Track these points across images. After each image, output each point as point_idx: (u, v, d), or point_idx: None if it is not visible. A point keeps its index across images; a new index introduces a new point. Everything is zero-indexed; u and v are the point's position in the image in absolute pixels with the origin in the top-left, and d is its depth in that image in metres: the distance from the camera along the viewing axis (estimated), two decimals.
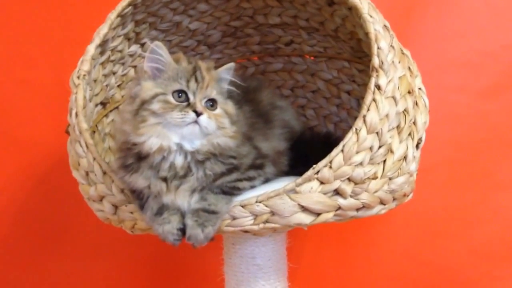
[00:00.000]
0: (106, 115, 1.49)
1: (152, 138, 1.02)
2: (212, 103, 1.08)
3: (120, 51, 1.46)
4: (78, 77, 1.24)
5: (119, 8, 1.30)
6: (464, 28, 1.80)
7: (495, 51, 1.79)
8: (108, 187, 1.16)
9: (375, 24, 1.16)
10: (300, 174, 1.21)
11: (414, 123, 1.19)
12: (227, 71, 1.15)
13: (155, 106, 1.03)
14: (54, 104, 1.78)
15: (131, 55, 1.51)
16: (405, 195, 1.19)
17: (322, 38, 1.59)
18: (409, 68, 1.24)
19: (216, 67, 1.16)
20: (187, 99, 1.05)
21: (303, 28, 1.59)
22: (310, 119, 1.73)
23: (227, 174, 1.07)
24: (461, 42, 1.81)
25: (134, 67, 1.54)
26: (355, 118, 1.58)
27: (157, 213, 1.06)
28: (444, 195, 1.84)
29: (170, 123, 1.03)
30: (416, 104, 1.19)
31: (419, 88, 1.26)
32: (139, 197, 1.09)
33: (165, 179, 1.05)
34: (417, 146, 1.19)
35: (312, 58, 1.67)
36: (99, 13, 1.37)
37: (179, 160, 1.04)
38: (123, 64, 1.50)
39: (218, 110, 1.08)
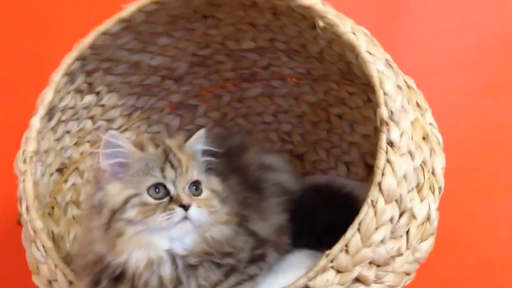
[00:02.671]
0: (65, 181, 1.28)
1: (135, 253, 0.82)
2: (196, 187, 0.89)
3: (72, 107, 1.23)
4: (24, 161, 1.02)
5: (63, 66, 1.07)
6: (458, 24, 1.64)
7: (493, 46, 1.64)
8: None
9: (377, 63, 0.97)
10: (305, 245, 1.04)
11: (433, 172, 1.01)
12: (198, 140, 0.95)
13: (131, 213, 0.82)
14: None
15: (85, 107, 1.28)
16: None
17: (304, 60, 1.39)
18: (417, 104, 1.06)
19: (186, 139, 0.96)
20: (167, 192, 0.85)
21: (282, 51, 1.38)
22: (297, 146, 1.55)
23: (224, 280, 0.87)
24: (456, 39, 1.65)
25: (91, 118, 1.32)
26: (350, 143, 1.46)
27: None
28: (447, 202, 1.69)
29: (155, 228, 0.83)
30: (432, 150, 1.01)
31: (430, 124, 1.08)
32: None
33: None
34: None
35: (294, 80, 1.47)
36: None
37: (166, 271, 0.84)
38: (77, 119, 1.27)
39: (204, 193, 0.89)
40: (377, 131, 1.34)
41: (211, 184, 0.92)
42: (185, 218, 0.83)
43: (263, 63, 1.45)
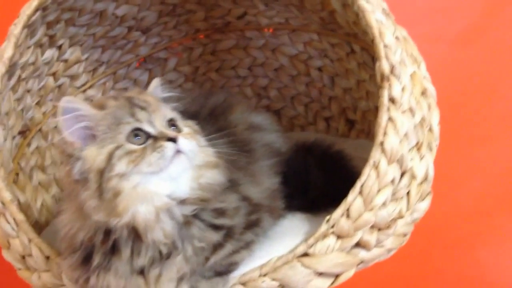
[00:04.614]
0: (28, 144, 1.17)
1: (141, 207, 0.74)
2: (174, 125, 0.82)
3: (33, 63, 1.11)
4: None
5: (23, 17, 0.95)
6: None
7: None
8: (56, 276, 0.87)
9: (375, 11, 0.89)
10: (297, 208, 0.98)
11: (430, 129, 0.96)
12: (156, 89, 0.89)
13: (121, 166, 0.74)
14: None
15: (47, 63, 1.16)
16: None
17: (283, 8, 1.30)
18: (412, 55, 0.99)
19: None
20: (148, 134, 0.78)
21: None
22: (274, 101, 1.48)
23: (220, 246, 0.81)
24: None
25: (53, 74, 1.20)
26: (330, 98, 1.40)
27: None
28: None
29: (152, 173, 0.75)
30: (429, 105, 0.96)
31: (424, 77, 1.02)
32: None
33: (141, 271, 0.77)
34: None
35: (271, 31, 1.38)
36: None
37: (168, 225, 0.77)
38: (38, 76, 1.15)
39: (185, 129, 0.83)
40: (359, 85, 1.30)
41: (189, 123, 0.85)
42: (178, 151, 0.77)
43: (237, 11, 1.35)
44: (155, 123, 0.79)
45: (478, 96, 1.65)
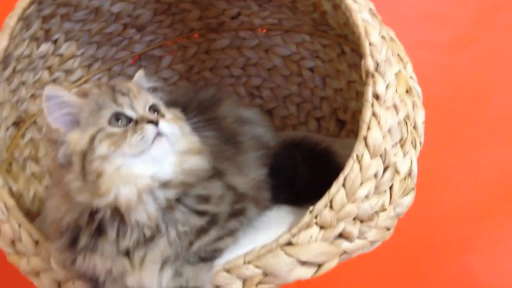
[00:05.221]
0: (22, 135, 1.19)
1: (123, 188, 0.76)
2: (156, 111, 0.85)
3: (28, 56, 1.13)
4: None
5: (18, 10, 0.97)
6: None
7: None
8: (45, 260, 0.89)
9: (362, 11, 0.92)
10: (283, 201, 1.00)
11: (415, 127, 0.98)
12: (141, 80, 0.91)
13: (102, 148, 0.77)
14: None
15: (42, 57, 1.18)
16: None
17: (276, 9, 1.33)
18: (398, 55, 1.02)
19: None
20: (129, 119, 0.80)
21: None
22: (267, 100, 1.50)
23: (204, 231, 0.83)
24: None
25: (48, 68, 1.22)
26: (321, 98, 1.42)
27: None
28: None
29: (134, 155, 0.77)
30: (414, 104, 0.98)
31: (411, 77, 1.05)
32: (91, 279, 0.83)
33: (127, 253, 0.79)
34: None
35: (264, 31, 1.41)
36: None
37: (151, 208, 0.79)
38: (33, 69, 1.18)
39: (168, 115, 0.85)
40: (350, 85, 1.33)
41: (172, 111, 0.87)
42: (159, 133, 0.79)
43: (232, 12, 1.37)
44: (136, 108, 0.81)
45: (468, 103, 1.67)
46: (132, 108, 0.81)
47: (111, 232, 0.78)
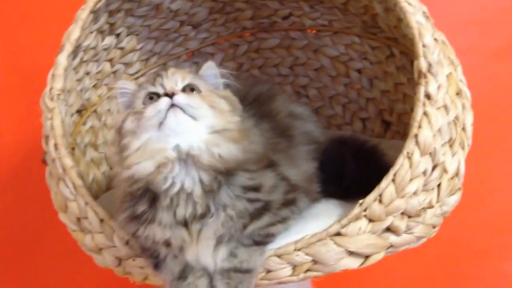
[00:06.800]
0: (84, 123, 1.26)
1: (144, 163, 0.83)
2: (192, 89, 0.88)
3: (94, 48, 1.20)
4: (52, 99, 1.00)
5: (90, 4, 1.04)
6: None
7: (506, 7, 1.63)
8: (109, 237, 0.95)
9: (416, 14, 0.95)
10: (331, 194, 1.04)
11: (463, 128, 1.01)
12: (208, 69, 0.96)
13: (128, 124, 0.85)
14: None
15: (105, 49, 1.25)
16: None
17: (327, 10, 1.37)
18: (449, 58, 1.05)
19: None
20: (157, 95, 0.87)
21: (305, 0, 1.36)
22: (313, 100, 1.53)
23: (257, 217, 0.87)
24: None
25: (110, 60, 1.29)
26: (367, 99, 1.45)
27: (180, 277, 0.87)
28: None
29: (151, 126, 0.82)
30: (464, 106, 1.01)
31: (460, 80, 1.07)
32: (152, 255, 0.88)
33: (185, 223, 0.84)
34: None
35: (314, 32, 1.45)
36: None
37: (189, 183, 0.83)
38: (97, 61, 1.24)
39: (205, 92, 0.89)
40: (397, 87, 1.36)
41: (221, 93, 0.91)
42: (173, 105, 0.82)
43: (283, 12, 1.42)
44: (166, 85, 0.87)
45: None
46: (163, 86, 0.87)
47: (165, 200, 0.83)
